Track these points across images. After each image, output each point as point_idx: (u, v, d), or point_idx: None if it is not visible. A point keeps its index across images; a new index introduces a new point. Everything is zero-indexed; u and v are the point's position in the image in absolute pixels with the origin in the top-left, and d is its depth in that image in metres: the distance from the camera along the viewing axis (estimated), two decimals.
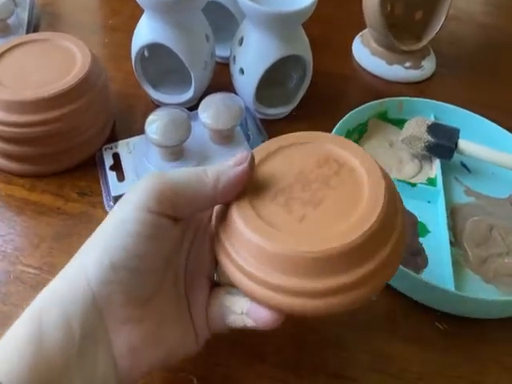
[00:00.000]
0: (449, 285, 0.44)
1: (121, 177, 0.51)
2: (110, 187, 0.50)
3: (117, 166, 0.52)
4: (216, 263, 0.35)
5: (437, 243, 0.49)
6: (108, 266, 0.29)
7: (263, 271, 0.31)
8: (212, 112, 0.54)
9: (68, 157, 0.53)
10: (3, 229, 0.47)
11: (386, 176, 0.35)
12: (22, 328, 0.29)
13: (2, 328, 0.38)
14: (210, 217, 0.36)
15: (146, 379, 0.37)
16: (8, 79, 0.51)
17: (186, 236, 0.35)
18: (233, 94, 0.57)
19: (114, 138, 0.56)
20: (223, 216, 0.34)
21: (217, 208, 0.36)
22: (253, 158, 0.34)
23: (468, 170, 0.57)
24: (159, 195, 0.31)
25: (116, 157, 0.53)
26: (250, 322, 0.33)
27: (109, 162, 0.53)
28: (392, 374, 0.39)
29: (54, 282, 0.31)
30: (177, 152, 0.53)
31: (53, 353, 0.28)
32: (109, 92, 0.56)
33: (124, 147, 0.54)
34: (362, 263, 0.31)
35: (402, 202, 0.36)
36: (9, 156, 0.52)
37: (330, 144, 0.37)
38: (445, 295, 0.42)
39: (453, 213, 0.51)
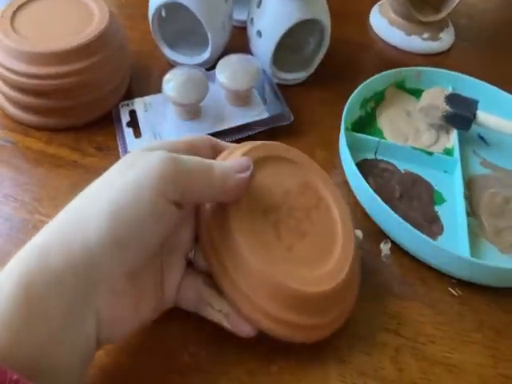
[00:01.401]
0: (464, 252, 0.44)
1: (137, 134, 0.51)
2: (127, 143, 0.50)
3: (133, 123, 0.52)
4: (194, 244, 0.37)
5: (452, 212, 0.48)
6: (112, 239, 0.29)
7: (257, 295, 0.34)
8: (229, 72, 0.53)
9: (85, 112, 0.52)
10: (21, 179, 0.47)
11: (350, 225, 0.39)
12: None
13: None
14: None
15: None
16: (27, 31, 0.50)
17: None
18: (250, 56, 0.56)
19: (129, 95, 0.56)
20: (218, 219, 0.35)
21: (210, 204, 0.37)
22: (250, 167, 0.35)
23: (485, 142, 0.57)
24: (176, 184, 0.31)
25: (132, 114, 0.53)
26: (226, 325, 0.35)
27: (125, 118, 0.52)
28: (406, 336, 0.40)
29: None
30: (193, 111, 0.53)
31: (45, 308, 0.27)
32: (126, 50, 0.56)
33: (140, 105, 0.54)
34: (337, 305, 0.37)
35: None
36: (27, 108, 0.51)
37: (313, 173, 0.40)
38: (460, 262, 0.42)
39: (469, 183, 0.51)
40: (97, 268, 0.29)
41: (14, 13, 0.52)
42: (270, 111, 0.55)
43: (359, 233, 0.46)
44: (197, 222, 0.37)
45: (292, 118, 0.54)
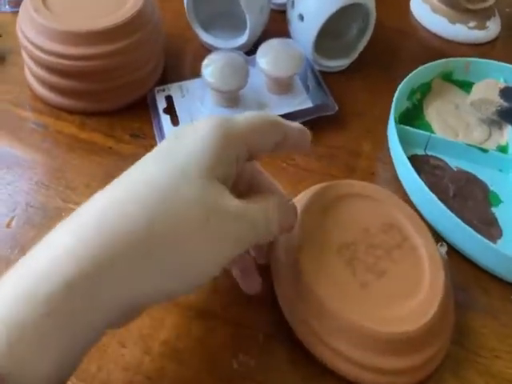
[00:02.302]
0: None
1: (175, 121, 0.48)
2: (164, 131, 0.47)
3: (170, 110, 0.49)
4: None
5: (511, 214, 0.45)
6: None
7: (329, 335, 0.33)
8: (271, 58, 0.50)
9: (119, 95, 0.50)
10: (54, 166, 0.45)
11: (445, 265, 0.36)
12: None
13: None
14: None
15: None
16: (59, 9, 0.47)
17: None
18: (292, 41, 0.53)
19: (164, 80, 0.53)
20: (289, 259, 0.35)
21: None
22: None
23: None
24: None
25: (169, 100, 0.50)
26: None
27: (162, 104, 0.49)
28: (469, 348, 0.37)
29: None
30: (233, 98, 0.50)
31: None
32: (161, 31, 0.52)
33: (177, 90, 0.51)
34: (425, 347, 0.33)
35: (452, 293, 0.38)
36: (58, 89, 0.48)
37: (396, 210, 0.38)
38: None
39: None
40: None
41: None
42: (312, 100, 0.52)
43: (443, 250, 0.40)
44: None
45: (336, 108, 0.51)
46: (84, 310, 0.24)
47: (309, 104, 0.51)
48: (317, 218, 0.36)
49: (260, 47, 0.51)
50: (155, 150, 0.30)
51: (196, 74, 0.49)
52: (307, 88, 0.53)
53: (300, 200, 0.38)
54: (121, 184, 0.28)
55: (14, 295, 0.23)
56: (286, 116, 0.44)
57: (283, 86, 0.52)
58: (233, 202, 0.28)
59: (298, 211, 0.34)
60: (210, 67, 0.48)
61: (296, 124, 0.33)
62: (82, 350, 0.25)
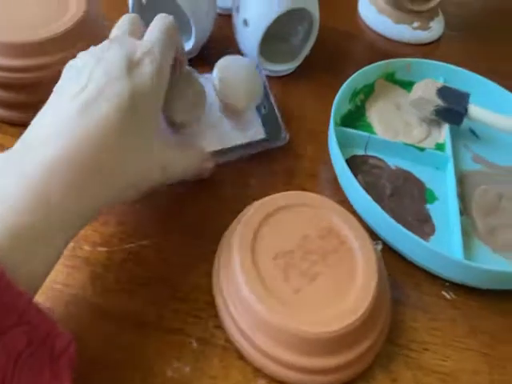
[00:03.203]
0: (457, 254, 0.43)
1: None
2: None
3: None
4: None
5: (444, 211, 0.47)
6: None
7: (260, 339, 0.34)
8: (229, 83, 0.47)
9: None
10: None
11: (380, 266, 0.38)
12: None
13: None
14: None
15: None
16: None
17: None
18: (251, 62, 0.50)
19: None
20: (226, 260, 0.37)
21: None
22: None
23: (476, 136, 0.55)
24: None
25: None
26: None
27: None
28: (400, 343, 0.38)
29: None
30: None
31: None
32: (106, 38, 0.53)
33: None
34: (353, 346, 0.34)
35: (389, 291, 0.39)
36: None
37: (334, 215, 0.39)
38: (452, 264, 0.41)
39: (461, 180, 0.50)
40: None
41: None
42: (265, 127, 0.50)
43: (379, 247, 0.42)
44: None
45: (287, 139, 0.50)
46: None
47: (261, 134, 0.49)
48: (256, 229, 0.38)
49: (217, 65, 0.48)
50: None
51: None
52: (260, 112, 0.51)
53: (242, 215, 0.40)
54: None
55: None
56: (239, 147, 0.48)
57: (237, 112, 0.49)
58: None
59: (240, 225, 0.37)
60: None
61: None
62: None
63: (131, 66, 0.35)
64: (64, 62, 0.46)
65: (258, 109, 0.50)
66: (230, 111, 0.49)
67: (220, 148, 0.47)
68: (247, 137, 0.48)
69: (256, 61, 0.53)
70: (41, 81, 0.46)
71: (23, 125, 0.47)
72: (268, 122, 0.50)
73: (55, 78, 0.46)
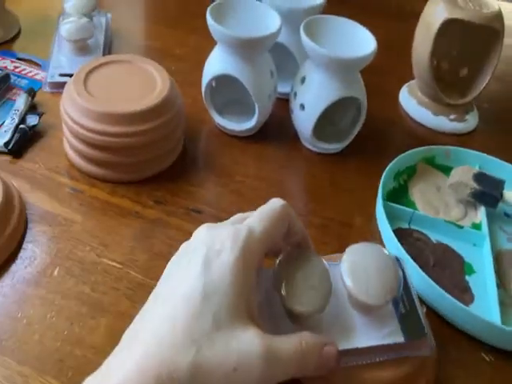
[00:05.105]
0: (495, 320, 0.47)
1: None
2: None
3: None
4: None
5: (482, 283, 0.52)
6: None
7: None
8: (360, 277, 0.39)
9: (145, 168, 0.58)
10: (90, 225, 0.52)
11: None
12: None
13: (92, 313, 0.42)
14: None
15: None
16: (97, 93, 0.55)
17: None
18: (384, 251, 0.41)
19: (184, 155, 0.61)
20: None
21: None
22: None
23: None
24: None
25: None
26: None
27: None
28: None
29: None
30: None
31: None
32: (183, 114, 0.61)
33: None
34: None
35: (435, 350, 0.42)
36: (93, 161, 0.56)
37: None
38: (491, 328, 0.45)
39: (498, 257, 0.55)
40: None
41: (87, 75, 0.57)
42: (403, 329, 0.39)
43: (423, 310, 0.41)
44: None
45: (433, 347, 0.39)
46: None
47: (400, 338, 0.39)
48: None
49: (346, 255, 0.40)
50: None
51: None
52: (397, 310, 0.41)
53: None
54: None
55: None
56: (373, 348, 0.38)
57: (371, 311, 0.40)
58: (257, 342, 0.31)
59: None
60: None
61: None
62: None
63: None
64: (150, 131, 0.54)
65: (395, 305, 0.41)
66: (364, 309, 0.40)
67: (348, 348, 0.37)
68: (382, 337, 0.39)
69: (394, 254, 0.42)
70: (130, 145, 0.54)
71: (112, 181, 0.56)
72: (407, 321, 0.40)
73: (143, 144, 0.54)
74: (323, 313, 0.38)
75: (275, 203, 0.38)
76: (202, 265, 0.33)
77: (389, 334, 0.39)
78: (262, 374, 0.31)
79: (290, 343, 0.33)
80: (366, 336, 0.38)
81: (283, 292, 0.37)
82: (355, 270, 0.39)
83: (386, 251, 0.41)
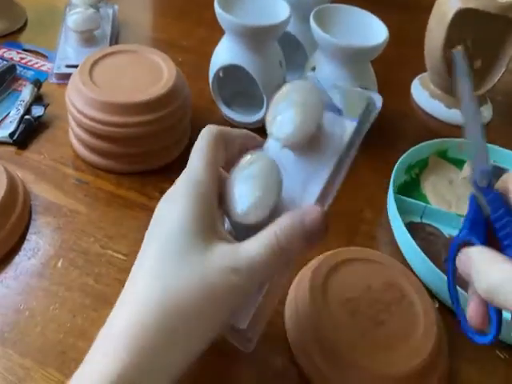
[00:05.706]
0: (508, 316, 0.46)
1: None
2: None
3: None
4: None
5: None
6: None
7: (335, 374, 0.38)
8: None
9: (151, 159, 0.56)
10: (94, 216, 0.51)
11: (437, 319, 0.42)
12: None
13: (95, 305, 0.41)
14: None
15: None
16: (103, 83, 0.55)
17: None
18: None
19: (190, 147, 0.59)
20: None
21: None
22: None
23: None
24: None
25: None
26: None
27: None
28: None
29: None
30: None
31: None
32: (189, 104, 0.60)
33: None
34: None
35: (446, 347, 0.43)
36: (99, 152, 0.55)
37: (398, 273, 0.45)
38: (505, 325, 0.43)
39: None
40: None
41: (93, 65, 0.56)
42: None
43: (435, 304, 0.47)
44: None
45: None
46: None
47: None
48: (325, 278, 0.43)
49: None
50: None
51: None
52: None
53: (311, 265, 0.45)
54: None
55: None
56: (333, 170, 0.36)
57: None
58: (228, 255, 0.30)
59: (309, 273, 0.42)
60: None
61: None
62: None
63: None
64: (156, 122, 0.53)
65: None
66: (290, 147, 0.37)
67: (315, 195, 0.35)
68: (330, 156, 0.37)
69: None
70: (136, 136, 0.53)
71: (118, 172, 0.55)
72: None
73: (149, 135, 0.53)
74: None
75: (202, 135, 0.37)
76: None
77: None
78: (246, 283, 0.30)
79: (261, 242, 0.30)
80: (315, 174, 0.35)
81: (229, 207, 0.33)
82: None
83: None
